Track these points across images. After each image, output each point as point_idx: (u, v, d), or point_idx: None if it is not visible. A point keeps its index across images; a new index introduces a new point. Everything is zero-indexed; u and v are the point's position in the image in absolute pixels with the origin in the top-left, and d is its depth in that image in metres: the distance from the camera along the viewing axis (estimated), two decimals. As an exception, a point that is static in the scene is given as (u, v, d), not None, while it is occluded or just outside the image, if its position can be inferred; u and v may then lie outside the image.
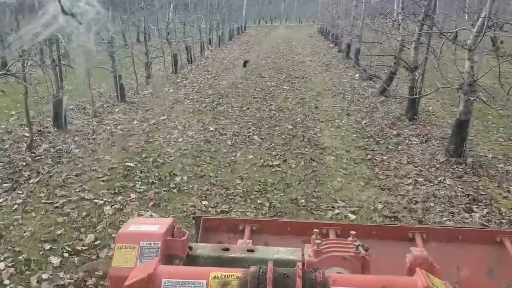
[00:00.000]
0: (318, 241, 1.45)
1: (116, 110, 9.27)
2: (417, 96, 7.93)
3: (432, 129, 7.91)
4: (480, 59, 5.97)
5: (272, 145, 7.07)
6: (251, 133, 7.66)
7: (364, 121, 8.52)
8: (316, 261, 1.41)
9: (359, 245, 1.43)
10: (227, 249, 1.53)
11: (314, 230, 1.53)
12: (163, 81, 12.95)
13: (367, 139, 7.39)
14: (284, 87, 12.05)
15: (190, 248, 1.53)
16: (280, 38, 29.33)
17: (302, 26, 46.37)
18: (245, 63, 17.34)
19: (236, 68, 15.61)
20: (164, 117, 8.61)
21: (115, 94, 10.22)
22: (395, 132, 7.69)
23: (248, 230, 2.14)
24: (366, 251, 1.43)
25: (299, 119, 8.65)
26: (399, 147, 7.01)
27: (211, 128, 7.89)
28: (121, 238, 1.39)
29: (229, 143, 7.12)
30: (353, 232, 1.49)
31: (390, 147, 7.02)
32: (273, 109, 9.56)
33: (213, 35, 21.71)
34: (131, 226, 1.45)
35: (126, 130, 7.74)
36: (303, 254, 1.49)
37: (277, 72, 14.73)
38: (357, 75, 13.54)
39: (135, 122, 8.27)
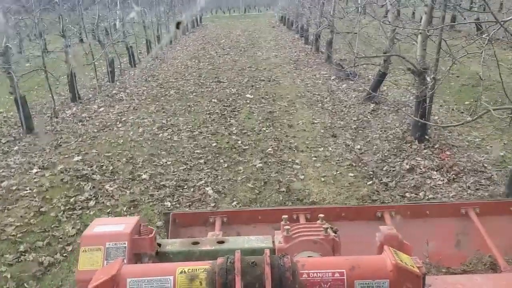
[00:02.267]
0: (287, 227, 1.40)
1: (15, 148, 6.63)
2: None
3: (454, 155, 5.72)
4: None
5: (235, 204, 4.69)
6: (203, 182, 5.24)
7: (358, 146, 6.25)
8: (287, 247, 1.37)
9: (328, 227, 1.39)
10: (197, 243, 1.47)
11: (283, 216, 1.48)
12: (95, 94, 10.30)
13: (370, 181, 5.12)
14: (247, 95, 9.64)
15: (159, 245, 1.45)
16: (240, 30, 26.77)
17: (262, 16, 43.86)
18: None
19: (188, 71, 13.07)
20: (79, 158, 6.06)
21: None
22: (406, 165, 5.44)
23: (218, 222, 2.08)
24: (335, 233, 1.39)
25: (270, 148, 6.28)
26: (420, 193, 4.77)
27: (144, 176, 5.43)
28: (86, 240, 1.32)
29: (169, 205, 4.69)
30: (321, 215, 1.46)
31: (407, 194, 4.77)
32: (235, 131, 7.16)
33: (162, 31, 18.96)
34: (96, 228, 1.37)
35: (15, 188, 5.17)
36: (273, 241, 1.45)
37: (238, 74, 12.29)
38: (333, 74, 11.28)
39: (35, 170, 5.70)
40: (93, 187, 5.14)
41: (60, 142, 6.83)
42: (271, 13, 42.85)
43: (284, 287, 1.04)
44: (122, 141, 6.82)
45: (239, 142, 6.62)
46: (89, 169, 5.68)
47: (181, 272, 1.07)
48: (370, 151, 6.07)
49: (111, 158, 6.08)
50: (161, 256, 1.43)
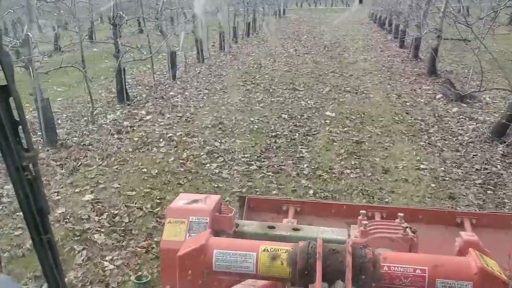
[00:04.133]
0: (365, 222, 1.41)
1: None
2: None
3: None
4: None
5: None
6: None
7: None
8: (363, 242, 1.31)
9: (407, 227, 1.38)
10: (272, 227, 1.50)
11: (361, 211, 1.50)
12: (149, 95, 8.81)
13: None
14: (328, 113, 7.64)
15: (237, 225, 1.50)
16: (325, 25, 24.59)
17: (349, 11, 41.08)
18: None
19: (260, 72, 11.27)
20: (90, 197, 4.44)
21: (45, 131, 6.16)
22: None
23: (292, 210, 2.07)
24: (414, 233, 1.38)
25: (355, 212, 4.29)
26: None
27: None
28: (171, 213, 1.41)
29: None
30: (401, 214, 1.45)
31: None
32: (306, 171, 5.23)
33: (239, 23, 17.27)
34: (181, 201, 1.46)
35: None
36: (349, 235, 1.45)
37: (317, 79, 10.29)
38: (439, 92, 8.91)
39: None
40: (88, 258, 3.47)
41: (79, 164, 5.30)
42: (359, 8, 39.92)
43: (363, 277, 1.03)
44: (156, 170, 5.15)
45: (311, 192, 4.69)
46: (96, 219, 4.04)
47: (264, 250, 1.08)
48: None
49: (133, 201, 4.41)
50: (238, 236, 1.45)
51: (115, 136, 6.38)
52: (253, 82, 10.08)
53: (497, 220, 1.99)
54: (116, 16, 7.53)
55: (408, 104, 8.24)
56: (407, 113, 7.61)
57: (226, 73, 11.17)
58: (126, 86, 8.36)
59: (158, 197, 4.50)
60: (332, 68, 11.76)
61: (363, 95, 8.94)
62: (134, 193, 4.59)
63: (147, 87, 9.57)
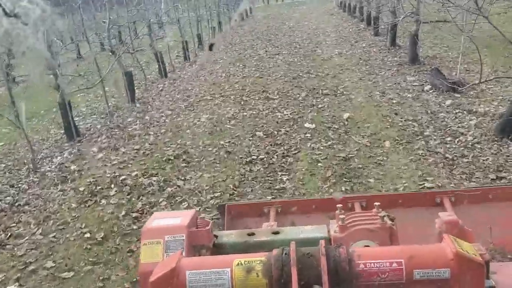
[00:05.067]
0: (342, 216, 1.38)
1: None
2: None
3: None
4: None
5: None
6: None
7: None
8: (342, 236, 1.34)
9: (384, 215, 1.36)
10: (252, 234, 1.47)
11: (337, 205, 1.48)
12: (102, 127, 7.75)
13: None
14: (307, 124, 6.67)
15: (216, 236, 1.46)
16: (294, 20, 23.62)
17: (317, 1, 40.26)
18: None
19: (229, 81, 10.27)
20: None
21: None
22: None
23: (273, 212, 2.04)
24: (392, 221, 1.36)
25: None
26: None
27: None
28: (146, 234, 1.35)
29: None
30: (377, 203, 1.42)
31: None
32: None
33: (202, 29, 16.22)
34: (155, 221, 1.40)
35: None
36: (328, 231, 1.43)
37: (292, 84, 9.31)
38: (427, 82, 8.02)
39: None
40: None
41: (8, 236, 4.24)
42: (327, -2, 39.08)
43: (340, 277, 1.02)
44: (103, 234, 4.12)
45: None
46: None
47: (237, 264, 1.07)
48: None
49: (69, 288, 3.38)
50: (218, 248, 1.42)
51: (59, 186, 5.32)
52: (222, 94, 9.06)
53: (476, 195, 1.97)
54: (51, 44, 6.45)
55: (394, 102, 7.31)
56: (396, 114, 6.68)
57: (191, 87, 10.13)
58: (78, 118, 7.32)
59: (101, 277, 3.47)
60: (306, 68, 10.79)
61: (343, 96, 8.00)
62: (71, 274, 3.56)
63: (102, 115, 8.51)
